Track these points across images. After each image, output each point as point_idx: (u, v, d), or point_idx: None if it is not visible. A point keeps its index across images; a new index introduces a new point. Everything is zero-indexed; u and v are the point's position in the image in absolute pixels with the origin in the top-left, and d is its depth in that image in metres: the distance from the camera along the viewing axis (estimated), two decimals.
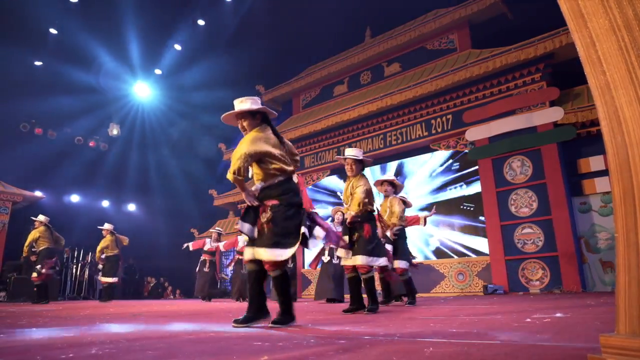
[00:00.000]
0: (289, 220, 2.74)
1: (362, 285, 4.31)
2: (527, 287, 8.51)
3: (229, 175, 2.75)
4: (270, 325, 2.67)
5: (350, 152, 4.40)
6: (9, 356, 1.66)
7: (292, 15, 14.31)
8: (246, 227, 2.78)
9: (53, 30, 13.66)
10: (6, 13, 12.10)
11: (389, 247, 5.47)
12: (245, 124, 2.92)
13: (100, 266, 10.51)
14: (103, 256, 10.12)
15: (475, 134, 9.65)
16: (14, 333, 2.60)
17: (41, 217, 9.13)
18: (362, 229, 4.19)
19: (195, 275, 10.20)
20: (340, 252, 4.30)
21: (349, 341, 1.90)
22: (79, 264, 14.47)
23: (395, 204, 5.60)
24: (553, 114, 8.66)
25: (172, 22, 14.61)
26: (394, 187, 5.74)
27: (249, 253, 2.77)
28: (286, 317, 2.74)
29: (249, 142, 2.77)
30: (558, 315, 2.87)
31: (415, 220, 6.95)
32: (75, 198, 16.02)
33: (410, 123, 10.95)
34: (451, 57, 10.85)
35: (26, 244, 8.84)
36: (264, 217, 2.73)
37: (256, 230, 2.78)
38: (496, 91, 9.61)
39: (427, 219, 6.93)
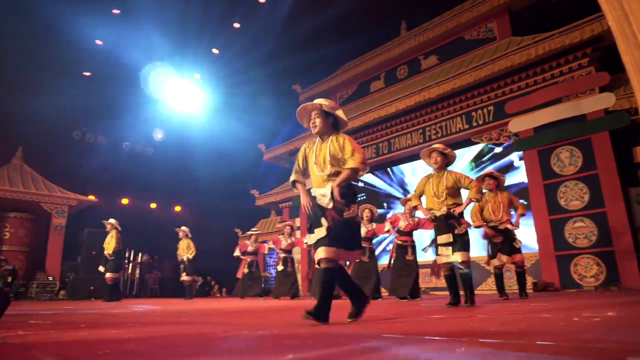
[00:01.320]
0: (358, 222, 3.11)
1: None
2: (581, 284, 8.07)
3: (360, 165, 2.94)
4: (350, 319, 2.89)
5: (438, 146, 4.57)
6: (51, 351, 1.74)
7: (326, 13, 14.29)
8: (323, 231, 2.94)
9: (99, 42, 14.34)
10: (51, 30, 12.81)
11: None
12: (317, 120, 3.10)
13: (182, 267, 11.07)
14: (185, 258, 10.74)
15: (519, 124, 9.25)
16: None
17: (112, 221, 9.74)
18: (460, 224, 4.36)
19: (242, 276, 10.45)
20: (442, 250, 4.42)
21: (379, 340, 1.85)
22: (131, 264, 15.14)
23: (513, 197, 6.04)
24: (604, 101, 8.15)
25: (209, 26, 14.96)
26: (496, 180, 5.98)
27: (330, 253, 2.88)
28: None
29: (356, 144, 3.06)
30: (610, 314, 2.69)
31: (381, 229, 7.61)
32: (125, 201, 16.77)
33: (450, 116, 10.66)
34: (491, 46, 10.45)
35: (115, 244, 9.47)
36: (349, 215, 2.93)
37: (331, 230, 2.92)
38: (540, 79, 9.17)
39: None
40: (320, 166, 3.05)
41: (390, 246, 8.05)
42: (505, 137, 9.63)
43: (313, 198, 3.02)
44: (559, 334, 1.87)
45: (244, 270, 10.37)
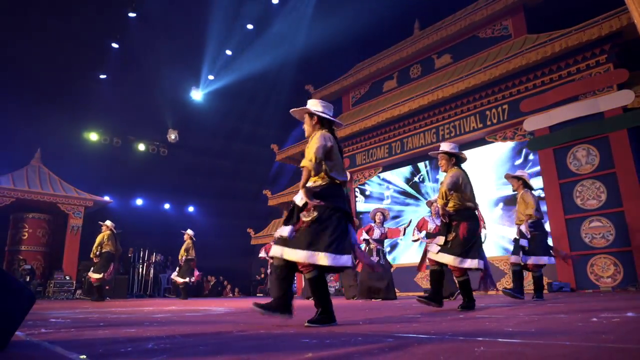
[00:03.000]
0: (335, 223, 2.73)
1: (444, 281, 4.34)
2: (597, 284, 7.95)
3: (305, 162, 2.73)
4: (306, 324, 2.62)
5: (442, 147, 4.33)
6: (75, 349, 1.78)
7: (339, 13, 14.31)
8: (287, 230, 2.72)
9: (115, 45, 14.54)
10: (69, 30, 13.03)
11: (523, 242, 5.71)
12: (313, 122, 3.01)
13: (177, 268, 11.06)
14: (183, 259, 10.75)
15: (534, 123, 9.14)
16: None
17: (108, 222, 9.70)
18: (458, 228, 4.07)
19: (264, 277, 10.47)
20: (432, 246, 4.19)
21: (397, 340, 1.86)
22: (145, 264, 15.30)
23: (528, 197, 5.84)
24: (622, 98, 8.02)
25: (223, 28, 15.08)
26: (522, 181, 6.00)
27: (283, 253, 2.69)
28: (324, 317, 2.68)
29: (320, 138, 2.82)
30: (629, 314, 2.65)
31: (396, 232, 7.86)
32: (139, 201, 16.97)
33: (463, 115, 10.58)
34: (505, 44, 10.35)
35: (95, 245, 9.30)
36: (308, 217, 2.70)
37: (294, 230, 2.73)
38: (556, 77, 9.05)
39: (407, 229, 7.76)
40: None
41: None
42: (520, 136, 9.53)
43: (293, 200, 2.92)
44: (577, 334, 1.85)
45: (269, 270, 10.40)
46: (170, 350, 1.73)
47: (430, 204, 7.86)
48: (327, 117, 2.99)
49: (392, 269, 8.05)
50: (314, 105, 3.03)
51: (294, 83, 16.00)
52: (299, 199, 2.78)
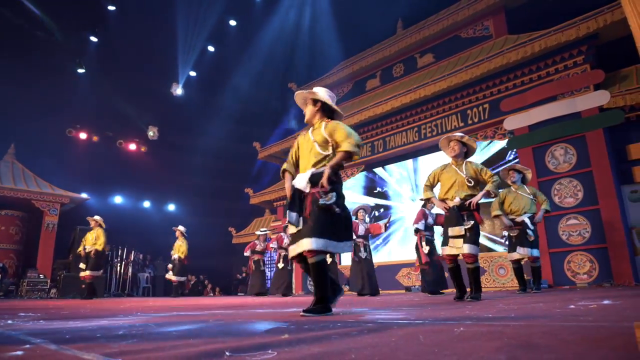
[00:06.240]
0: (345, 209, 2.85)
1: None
2: (574, 280, 8.08)
3: (352, 148, 2.75)
4: (301, 314, 2.58)
5: (459, 135, 4.48)
6: (40, 336, 1.70)
7: (322, 11, 14.28)
8: (294, 216, 2.74)
9: (93, 38, 14.22)
10: (46, 23, 12.69)
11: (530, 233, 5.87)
12: (307, 109, 3.10)
13: (170, 265, 11.00)
14: (176, 257, 10.64)
15: (514, 122, 9.26)
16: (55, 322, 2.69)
17: (97, 217, 9.44)
18: (474, 217, 4.15)
19: (249, 275, 10.54)
20: (452, 241, 4.23)
21: (376, 324, 1.83)
22: (123, 263, 15.00)
23: (538, 191, 6.14)
24: (598, 98, 8.18)
25: (205, 24, 14.90)
26: (520, 173, 6.12)
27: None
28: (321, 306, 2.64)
29: (350, 129, 2.89)
30: (606, 302, 2.68)
31: (377, 228, 7.85)
32: (118, 199, 16.61)
33: (445, 114, 10.66)
34: (487, 44, 10.47)
35: (103, 242, 9.04)
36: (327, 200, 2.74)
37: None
38: (535, 77, 9.19)
39: (387, 225, 7.89)
40: (306, 153, 2.96)
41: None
42: (500, 135, 9.64)
43: (293, 186, 2.88)
44: (556, 317, 1.85)
45: (252, 268, 10.42)
46: (141, 335, 1.66)
47: (355, 212, 8.07)
48: (333, 107, 3.07)
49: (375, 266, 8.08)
50: (322, 93, 3.05)
51: (277, 81, 15.89)
52: (305, 184, 2.77)
